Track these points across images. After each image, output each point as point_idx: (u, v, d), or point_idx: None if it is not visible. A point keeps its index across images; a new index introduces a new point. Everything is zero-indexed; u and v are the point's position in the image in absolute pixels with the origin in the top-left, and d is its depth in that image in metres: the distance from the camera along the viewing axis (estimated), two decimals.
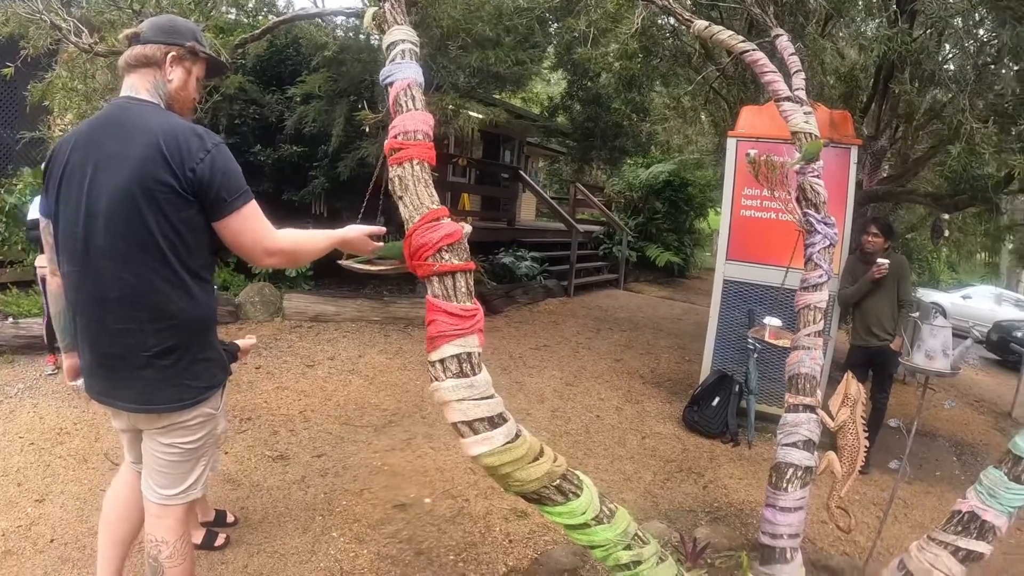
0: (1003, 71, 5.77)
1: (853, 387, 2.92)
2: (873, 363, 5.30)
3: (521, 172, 14.41)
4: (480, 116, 7.21)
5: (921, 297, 14.11)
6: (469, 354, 1.81)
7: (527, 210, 16.21)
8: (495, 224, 13.44)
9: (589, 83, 9.64)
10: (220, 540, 3.33)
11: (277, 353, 6.76)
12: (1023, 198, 7.58)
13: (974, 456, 6.57)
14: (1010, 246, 6.23)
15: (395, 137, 1.99)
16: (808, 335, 3.00)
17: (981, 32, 6.16)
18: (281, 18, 5.12)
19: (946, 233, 9.83)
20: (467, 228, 1.90)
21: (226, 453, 4.37)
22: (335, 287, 9.22)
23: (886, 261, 5.14)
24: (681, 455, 5.41)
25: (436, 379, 1.80)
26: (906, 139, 7.80)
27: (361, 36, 7.81)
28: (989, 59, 5.93)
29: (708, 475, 5.04)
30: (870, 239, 5.32)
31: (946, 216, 8.95)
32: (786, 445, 2.83)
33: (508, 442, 1.79)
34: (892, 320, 5.25)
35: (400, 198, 1.93)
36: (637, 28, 5.24)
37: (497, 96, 11.39)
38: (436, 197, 1.94)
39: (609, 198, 17.39)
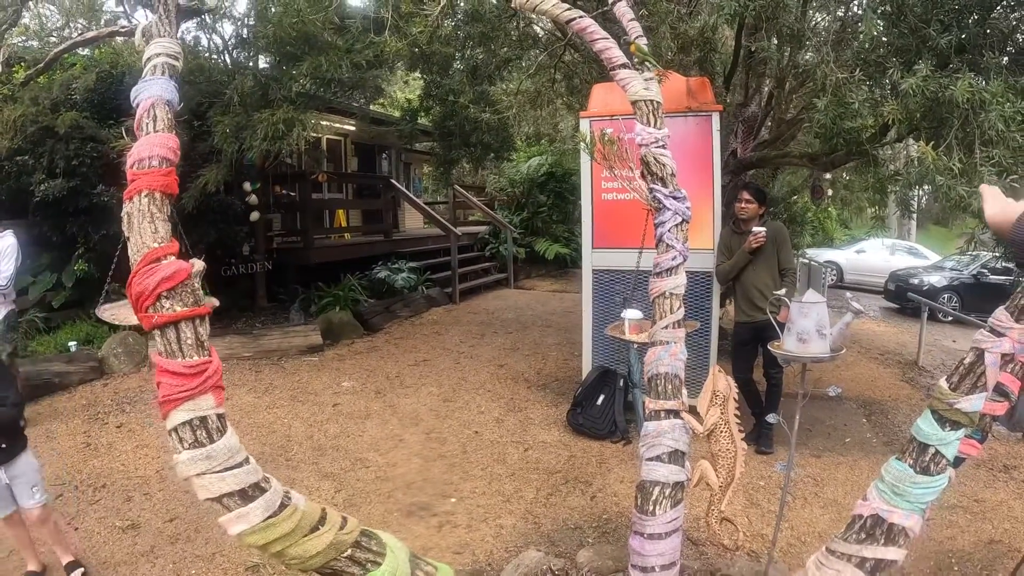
0: (866, 20, 5.58)
1: (721, 382, 2.54)
2: (762, 338, 4.97)
3: (392, 181, 13.98)
4: (310, 131, 6.73)
5: (814, 257, 14.32)
6: (203, 419, 1.55)
7: (415, 219, 15.70)
8: (371, 238, 12.93)
9: (443, 80, 9.19)
10: None
11: (141, 407, 6.32)
12: (900, 147, 7.53)
13: (884, 414, 6.46)
14: (893, 196, 6.07)
15: (131, 167, 1.73)
16: (666, 327, 2.57)
17: None
18: (61, 46, 4.61)
19: (829, 192, 9.81)
20: (198, 265, 1.66)
21: (76, 529, 4.10)
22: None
23: (762, 229, 4.90)
24: (567, 464, 5.11)
25: (175, 452, 1.56)
26: (780, 104, 7.65)
27: (191, 57, 7.21)
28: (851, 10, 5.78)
29: (597, 483, 4.74)
30: (743, 205, 5.07)
31: (827, 176, 8.88)
32: (650, 460, 2.39)
33: (270, 516, 1.55)
34: (776, 290, 4.96)
35: (128, 239, 1.67)
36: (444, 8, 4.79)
37: (356, 105, 10.87)
38: (164, 232, 1.67)
39: (491, 197, 17.16)
